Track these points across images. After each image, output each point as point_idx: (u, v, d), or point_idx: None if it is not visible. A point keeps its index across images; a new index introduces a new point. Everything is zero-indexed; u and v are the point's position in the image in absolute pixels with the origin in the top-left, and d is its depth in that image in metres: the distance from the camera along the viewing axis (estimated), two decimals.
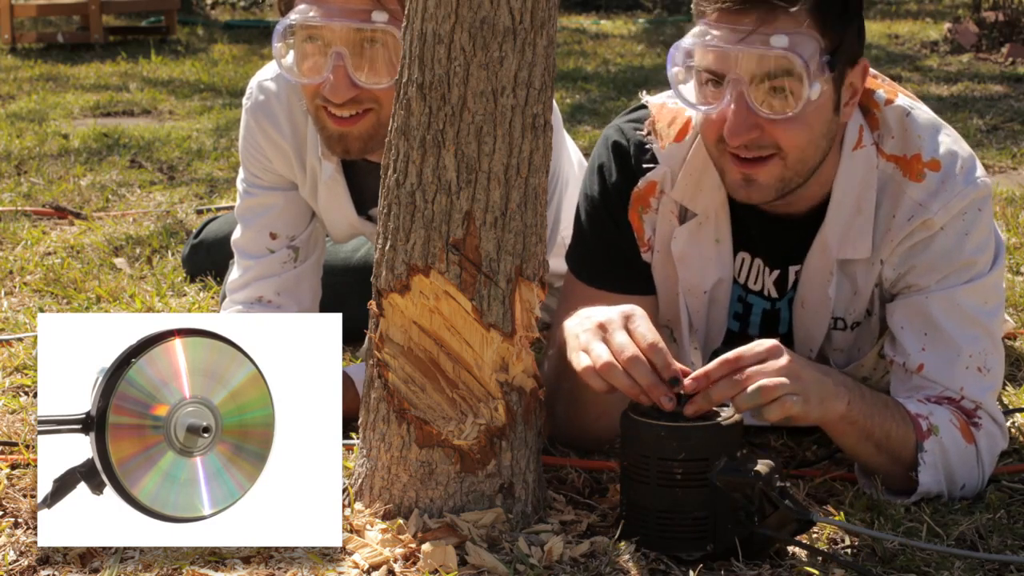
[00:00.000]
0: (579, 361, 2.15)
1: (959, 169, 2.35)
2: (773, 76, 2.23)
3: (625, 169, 2.47)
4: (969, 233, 2.35)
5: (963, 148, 2.39)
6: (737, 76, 2.24)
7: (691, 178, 2.44)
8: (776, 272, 2.49)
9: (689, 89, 2.33)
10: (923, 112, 2.41)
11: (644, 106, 2.53)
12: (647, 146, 2.47)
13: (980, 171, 2.37)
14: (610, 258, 2.50)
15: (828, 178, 2.38)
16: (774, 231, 2.45)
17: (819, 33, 2.24)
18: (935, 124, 2.40)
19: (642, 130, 2.48)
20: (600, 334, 2.15)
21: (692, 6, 2.33)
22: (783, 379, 2.09)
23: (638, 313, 2.16)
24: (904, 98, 2.42)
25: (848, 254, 2.40)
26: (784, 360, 2.11)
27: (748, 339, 2.20)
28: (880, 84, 2.43)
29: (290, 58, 2.62)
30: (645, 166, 2.46)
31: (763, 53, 2.22)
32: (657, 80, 7.77)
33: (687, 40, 2.30)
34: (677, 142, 2.45)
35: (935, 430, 2.28)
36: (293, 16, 2.57)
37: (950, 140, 2.38)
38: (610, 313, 2.17)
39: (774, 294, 2.50)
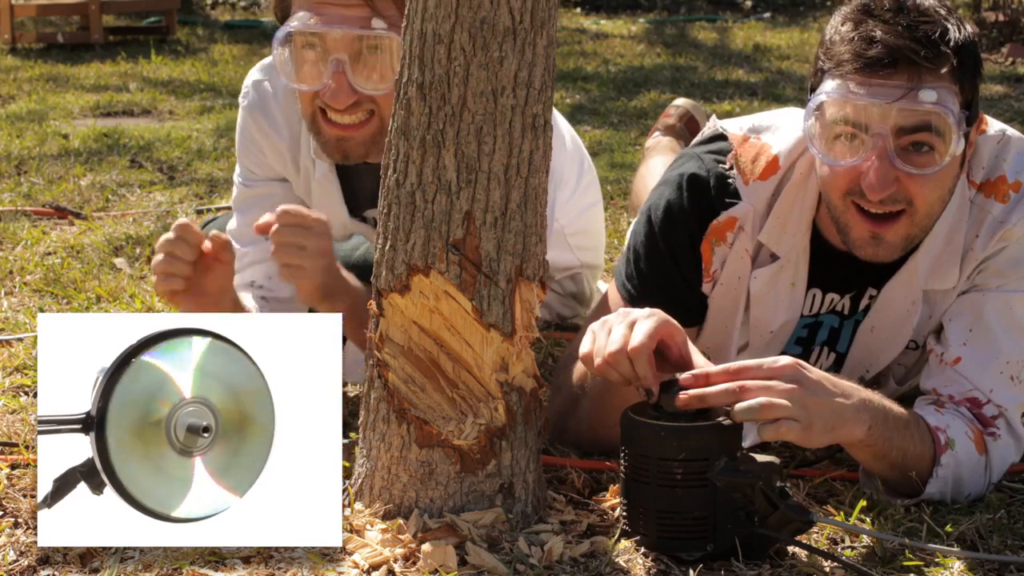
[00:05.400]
0: (582, 346, 2.18)
1: None
2: (917, 131, 2.23)
3: (698, 202, 2.43)
4: None
5: None
6: (881, 131, 2.23)
7: (778, 220, 2.42)
8: (849, 296, 2.48)
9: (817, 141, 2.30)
10: (1016, 134, 2.42)
11: (723, 136, 2.49)
12: (729, 179, 2.43)
13: None
14: (657, 287, 2.46)
15: None
16: (857, 271, 2.43)
17: (959, 88, 2.25)
18: None
19: (724, 163, 2.44)
20: (610, 324, 2.16)
21: (821, 55, 2.30)
22: (785, 402, 2.07)
23: (656, 316, 2.15)
24: (996, 121, 2.42)
25: (936, 285, 2.40)
26: (794, 384, 2.09)
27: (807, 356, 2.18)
28: None
29: (290, 64, 2.63)
30: (727, 200, 2.42)
31: (913, 108, 2.21)
32: (657, 80, 7.76)
33: (825, 95, 2.27)
34: (762, 180, 2.42)
35: (951, 444, 2.28)
36: (293, 23, 2.58)
37: None
38: (633, 310, 2.18)
39: (846, 311, 2.49)
